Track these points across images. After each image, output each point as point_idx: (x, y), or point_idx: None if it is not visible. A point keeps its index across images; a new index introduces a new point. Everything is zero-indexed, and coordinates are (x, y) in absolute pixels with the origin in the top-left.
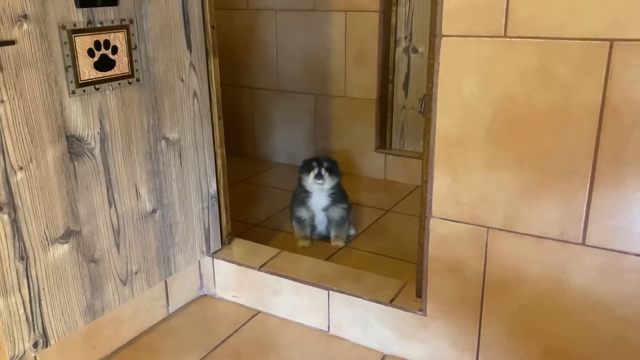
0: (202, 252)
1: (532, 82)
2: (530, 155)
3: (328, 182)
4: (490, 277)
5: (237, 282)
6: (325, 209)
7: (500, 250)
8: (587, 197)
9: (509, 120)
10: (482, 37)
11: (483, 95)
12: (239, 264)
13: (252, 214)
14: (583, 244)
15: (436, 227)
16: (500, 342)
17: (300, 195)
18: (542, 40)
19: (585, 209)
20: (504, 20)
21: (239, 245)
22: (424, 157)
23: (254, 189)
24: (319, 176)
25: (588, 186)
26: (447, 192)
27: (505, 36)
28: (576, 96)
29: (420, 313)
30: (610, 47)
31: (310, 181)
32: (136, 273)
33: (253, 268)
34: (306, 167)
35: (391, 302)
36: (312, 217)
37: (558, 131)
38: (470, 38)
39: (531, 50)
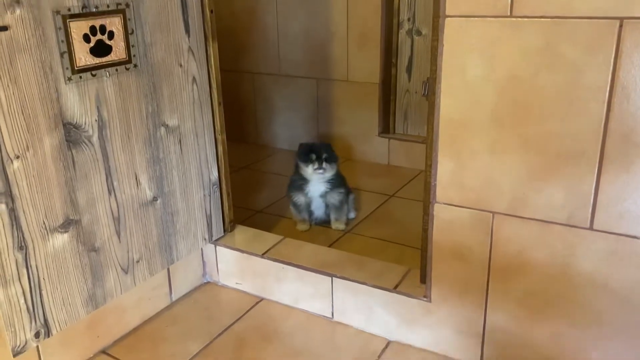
0: (205, 239)
1: (538, 63)
2: (536, 138)
3: (329, 172)
4: (495, 263)
5: (240, 269)
6: (323, 195)
7: (506, 235)
8: (595, 181)
9: (514, 102)
10: (487, 17)
11: (487, 77)
12: (242, 251)
13: (255, 200)
14: (591, 228)
15: (440, 213)
16: (506, 327)
17: (298, 182)
18: (548, 19)
19: (593, 192)
20: (509, 0)
21: (242, 232)
22: (428, 141)
23: (256, 176)
24: (319, 169)
25: (596, 169)
26: (451, 176)
27: (510, 16)
28: (583, 77)
29: (425, 299)
30: (620, 26)
31: (309, 172)
32: (138, 261)
33: (256, 255)
34: (304, 156)
35: (395, 288)
36: (310, 203)
37: (565, 113)
38: (475, 18)
39: (537, 31)
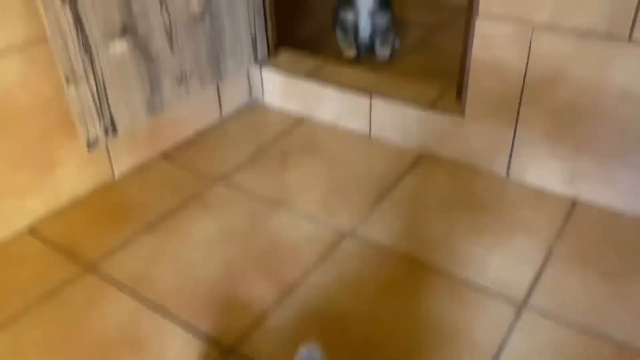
0: (251, 60)
1: None
2: None
3: None
4: (530, 77)
5: (284, 90)
6: (371, 13)
7: (543, 48)
8: None
9: None
10: None
11: None
12: (286, 72)
13: (300, 29)
14: (629, 40)
15: (482, 28)
16: (534, 142)
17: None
18: None
19: (636, 2)
20: None
21: (286, 55)
22: None
23: (302, 4)
24: None
25: None
26: None
27: None
28: None
29: (459, 116)
30: None
31: None
32: (190, 75)
33: (299, 77)
34: None
35: (431, 106)
36: (356, 21)
37: None
38: None
39: None
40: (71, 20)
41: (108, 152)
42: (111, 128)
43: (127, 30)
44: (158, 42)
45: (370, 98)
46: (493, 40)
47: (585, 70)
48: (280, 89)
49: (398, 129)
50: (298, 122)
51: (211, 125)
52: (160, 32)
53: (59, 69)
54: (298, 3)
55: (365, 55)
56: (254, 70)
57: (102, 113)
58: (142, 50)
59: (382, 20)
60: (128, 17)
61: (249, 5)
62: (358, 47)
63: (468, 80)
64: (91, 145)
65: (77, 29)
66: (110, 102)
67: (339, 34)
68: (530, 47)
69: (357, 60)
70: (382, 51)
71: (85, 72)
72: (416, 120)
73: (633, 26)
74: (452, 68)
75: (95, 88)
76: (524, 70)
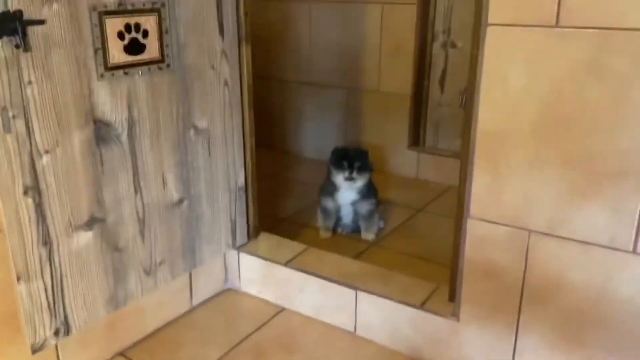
0: (228, 245)
1: (584, 76)
2: (579, 154)
3: (359, 182)
4: (529, 283)
5: (262, 277)
6: (353, 203)
7: (542, 255)
8: None
9: (557, 116)
10: (532, 26)
11: (529, 89)
12: (265, 259)
13: (279, 208)
14: (634, 252)
15: (474, 228)
16: (538, 352)
17: (329, 187)
18: (597, 30)
19: (638, 214)
20: (556, 9)
21: (266, 240)
22: (463, 153)
23: (281, 183)
24: (349, 178)
25: None
26: (487, 191)
27: (557, 25)
28: (633, 92)
29: (453, 318)
30: None
31: (339, 179)
32: (160, 264)
33: (279, 264)
34: (336, 162)
35: (422, 306)
36: (339, 209)
37: (611, 129)
38: (519, 27)
39: (585, 42)
40: (32, 213)
41: (57, 351)
42: (64, 328)
43: (95, 220)
44: (128, 231)
45: (356, 292)
46: (487, 242)
47: (588, 279)
48: (259, 277)
49: (386, 328)
50: (276, 313)
51: (180, 316)
52: (131, 220)
53: (10, 263)
54: (281, 180)
55: (349, 235)
56: (231, 255)
57: (55, 312)
58: (109, 240)
59: (365, 208)
60: (97, 207)
61: (230, 189)
62: (340, 229)
63: (462, 281)
64: (37, 349)
65: (37, 222)
66: (66, 299)
67: (319, 215)
68: (527, 252)
69: (335, 241)
70: (367, 235)
71: (42, 266)
72: (406, 321)
73: (637, 240)
74: (441, 253)
75: (51, 284)
76: (522, 274)
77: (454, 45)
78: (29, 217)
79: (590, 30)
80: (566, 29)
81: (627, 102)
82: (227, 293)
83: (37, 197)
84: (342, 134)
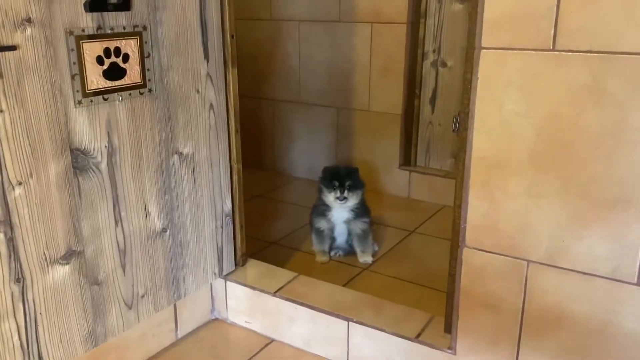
0: (214, 274)
1: (582, 101)
2: (578, 181)
3: (351, 201)
4: (529, 315)
5: (250, 306)
6: (347, 222)
7: (541, 286)
8: None
9: (554, 141)
10: (527, 50)
11: (526, 114)
12: (253, 288)
13: (269, 231)
14: (638, 284)
15: (470, 258)
16: None
17: (321, 207)
18: (594, 54)
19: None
20: (552, 32)
21: (254, 267)
22: (458, 179)
23: (271, 204)
24: (340, 198)
25: None
26: (483, 219)
27: (553, 49)
28: (632, 117)
29: (450, 351)
30: None
31: (331, 199)
32: (143, 296)
33: (268, 293)
34: (327, 182)
35: (417, 338)
36: (332, 229)
37: (611, 156)
38: (514, 51)
39: (582, 66)
40: (3, 248)
41: None
42: None
43: (73, 254)
44: (108, 263)
45: (348, 323)
46: (483, 272)
47: (590, 312)
48: (247, 306)
49: None
50: (265, 345)
51: (165, 349)
52: (112, 252)
53: None
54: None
55: (343, 259)
56: (218, 284)
57: (28, 352)
58: (88, 274)
59: (359, 228)
60: (75, 240)
61: (216, 216)
62: (335, 251)
63: (458, 312)
64: None
65: (9, 258)
66: (40, 339)
67: (313, 239)
68: (526, 283)
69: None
70: (364, 257)
71: (14, 305)
72: (400, 353)
73: None
74: (435, 277)
75: (24, 323)
76: (521, 306)
77: (444, 64)
78: (0, 253)
79: (588, 54)
80: (563, 53)
81: (626, 127)
82: (214, 323)
83: (9, 232)
84: (333, 154)
